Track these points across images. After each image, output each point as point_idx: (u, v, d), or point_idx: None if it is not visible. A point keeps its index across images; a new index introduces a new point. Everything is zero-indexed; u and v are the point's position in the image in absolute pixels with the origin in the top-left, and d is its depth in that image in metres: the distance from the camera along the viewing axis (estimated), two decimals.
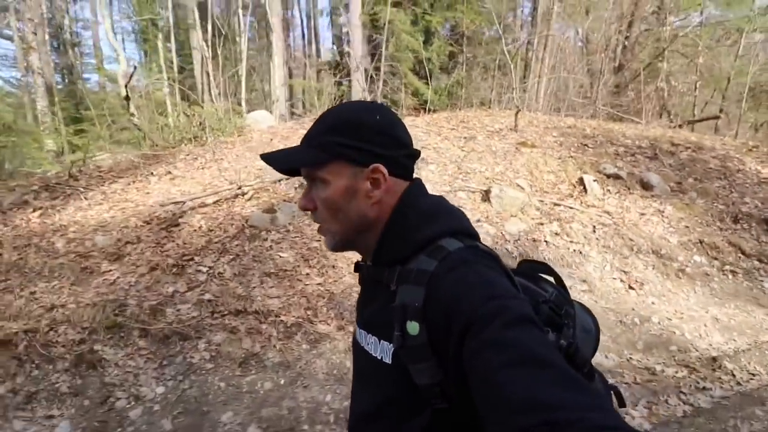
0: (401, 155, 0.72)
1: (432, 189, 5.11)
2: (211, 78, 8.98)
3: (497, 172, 5.80)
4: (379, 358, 0.68)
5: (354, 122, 0.69)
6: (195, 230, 4.44)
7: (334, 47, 10.97)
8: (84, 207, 5.01)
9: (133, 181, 5.68)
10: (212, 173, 5.78)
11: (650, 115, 10.40)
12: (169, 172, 5.89)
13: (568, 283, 3.77)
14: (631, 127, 8.37)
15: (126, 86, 7.81)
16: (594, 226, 4.70)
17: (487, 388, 0.50)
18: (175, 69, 12.64)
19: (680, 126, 9.96)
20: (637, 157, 6.54)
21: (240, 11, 9.97)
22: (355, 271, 0.78)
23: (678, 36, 10.39)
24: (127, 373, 2.94)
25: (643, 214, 5.08)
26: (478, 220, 4.61)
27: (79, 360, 2.97)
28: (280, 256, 4.15)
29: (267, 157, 0.73)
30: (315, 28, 16.60)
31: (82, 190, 5.32)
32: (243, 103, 10.02)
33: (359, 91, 9.54)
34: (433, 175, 5.70)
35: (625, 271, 4.27)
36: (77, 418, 2.67)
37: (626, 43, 11.42)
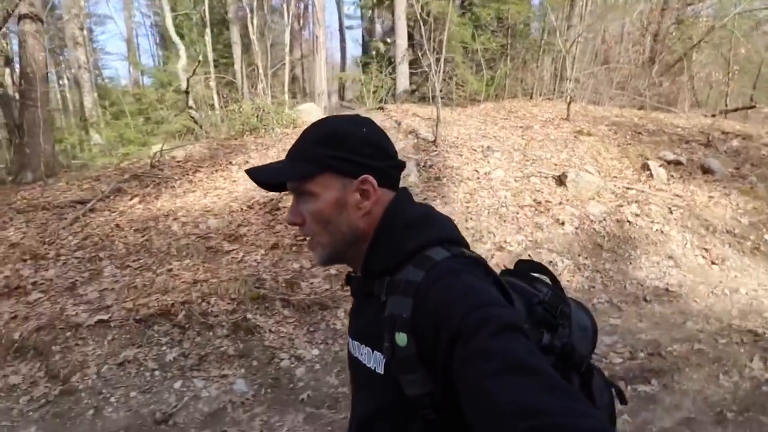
0: (388, 166, 0.72)
1: (503, 174, 5.35)
2: (260, 72, 9.21)
3: (563, 158, 6.03)
4: (372, 368, 0.69)
5: (340, 134, 0.70)
6: None
7: (377, 40, 11.15)
8: (179, 194, 5.29)
9: (216, 170, 5.95)
10: None
11: (686, 105, 10.57)
12: (247, 162, 6.15)
13: (655, 259, 4.03)
14: (673, 117, 8.56)
15: (188, 80, 8.06)
16: (669, 208, 4.94)
17: (474, 397, 0.52)
18: (211, 63, 12.89)
19: (713, 116, 10.14)
20: (692, 145, 6.75)
21: (285, 6, 10.18)
22: (346, 282, 0.79)
23: (714, 28, 10.52)
24: (282, 338, 3.22)
25: (711, 197, 5.31)
26: (560, 203, 4.86)
27: (236, 327, 3.25)
28: None
29: (253, 173, 0.73)
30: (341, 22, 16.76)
31: (176, 179, 5.60)
32: (286, 96, 10.27)
33: (405, 83, 9.76)
34: (500, 162, 5.94)
35: (705, 249, 4.52)
36: (250, 376, 2.95)
37: (657, 35, 11.56)
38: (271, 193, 5.01)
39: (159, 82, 12.03)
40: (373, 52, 9.85)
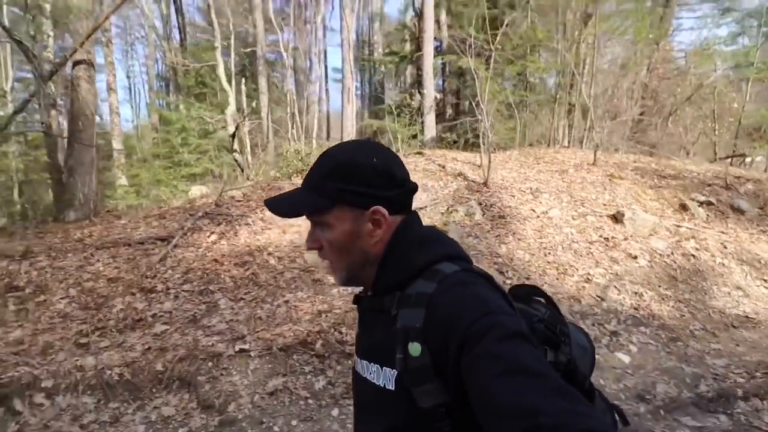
0: (399, 194, 0.75)
1: (560, 213, 5.72)
2: (296, 118, 9.63)
3: (607, 199, 6.49)
4: (382, 385, 0.69)
5: (352, 166, 0.72)
6: None
7: (402, 92, 11.86)
8: (257, 231, 5.40)
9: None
10: None
11: (682, 153, 11.51)
12: None
13: (725, 290, 4.40)
14: (682, 163, 9.34)
15: (237, 126, 8.34)
16: (723, 243, 5.38)
17: (481, 399, 0.53)
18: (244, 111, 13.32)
19: (712, 162, 11.08)
20: (714, 187, 7.38)
21: (314, 58, 10.80)
22: (354, 302, 0.82)
23: (702, 85, 11.74)
24: None
25: (751, 233, 5.81)
26: (625, 239, 5.23)
27: None
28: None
29: (271, 203, 0.77)
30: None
31: (247, 216, 5.72)
32: (314, 141, 10.68)
33: (432, 131, 10.35)
34: (552, 202, 6.34)
35: (764, 279, 4.91)
36: None
37: (653, 91, 12.76)
38: None
39: (182, 127, 12.31)
40: (390, 103, 10.50)
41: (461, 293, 0.64)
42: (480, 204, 6.09)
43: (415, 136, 9.21)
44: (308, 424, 2.83)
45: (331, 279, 4.14)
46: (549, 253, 4.93)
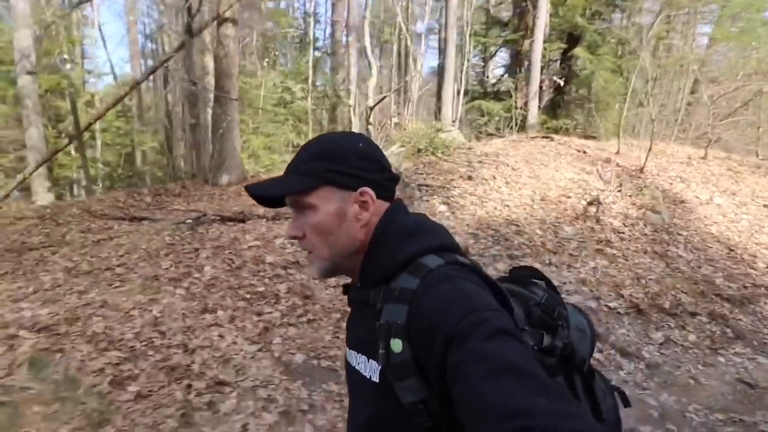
0: (384, 179, 0.75)
1: (722, 201, 6.30)
2: (413, 95, 9.72)
3: (759, 188, 7.16)
4: (368, 377, 0.70)
5: (338, 149, 0.72)
6: (614, 225, 5.29)
7: (506, 75, 12.11)
8: (465, 204, 5.65)
9: (459, 187, 6.35)
10: (540, 181, 6.56)
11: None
12: (494, 177, 6.60)
13: None
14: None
15: (375, 103, 8.34)
16: None
17: (467, 399, 0.53)
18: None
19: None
20: None
21: (426, 33, 10.83)
22: (344, 293, 0.81)
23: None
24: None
25: None
26: None
27: (711, 315, 3.78)
28: None
29: (253, 188, 0.74)
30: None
31: (438, 188, 5.95)
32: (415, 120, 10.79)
33: (535, 116, 10.73)
34: (704, 191, 6.94)
35: None
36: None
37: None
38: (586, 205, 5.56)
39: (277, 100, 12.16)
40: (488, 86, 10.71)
41: (445, 289, 0.63)
42: (657, 188, 6.59)
43: (519, 122, 9.59)
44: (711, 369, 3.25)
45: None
46: (752, 235, 5.52)
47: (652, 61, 8.94)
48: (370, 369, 0.70)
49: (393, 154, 8.58)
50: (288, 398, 2.57)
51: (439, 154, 8.02)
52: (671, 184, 7.01)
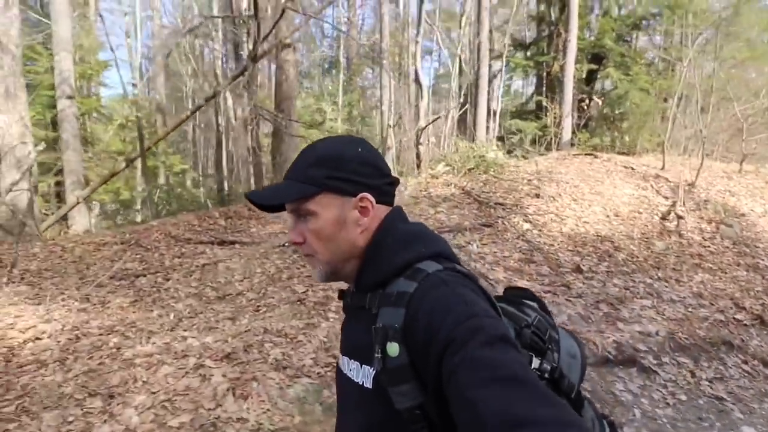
0: (384, 184, 0.75)
1: None
2: (452, 118, 9.94)
3: None
4: (361, 383, 0.69)
5: (337, 155, 0.72)
6: (695, 239, 5.44)
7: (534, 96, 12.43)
8: (544, 222, 5.77)
9: (532, 205, 6.48)
10: (605, 198, 6.72)
11: None
12: (559, 194, 6.75)
13: None
14: None
15: (426, 124, 8.50)
16: None
17: (463, 407, 0.52)
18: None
19: None
20: None
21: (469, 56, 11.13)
22: (339, 298, 0.80)
23: None
24: None
25: None
26: None
27: None
28: None
29: (253, 196, 0.75)
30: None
31: (514, 205, 6.07)
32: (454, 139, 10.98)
33: (568, 134, 11.02)
34: (753, 203, 7.18)
35: None
36: None
37: None
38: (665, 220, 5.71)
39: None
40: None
41: (443, 293, 0.63)
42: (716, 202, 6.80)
43: (550, 141, 9.87)
44: None
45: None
46: None
47: (692, 80, 9.31)
48: (363, 375, 0.69)
49: (440, 173, 8.74)
50: None
51: (491, 173, 8.19)
52: (723, 197, 7.24)
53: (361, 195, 0.71)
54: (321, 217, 0.71)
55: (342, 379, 0.75)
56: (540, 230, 5.42)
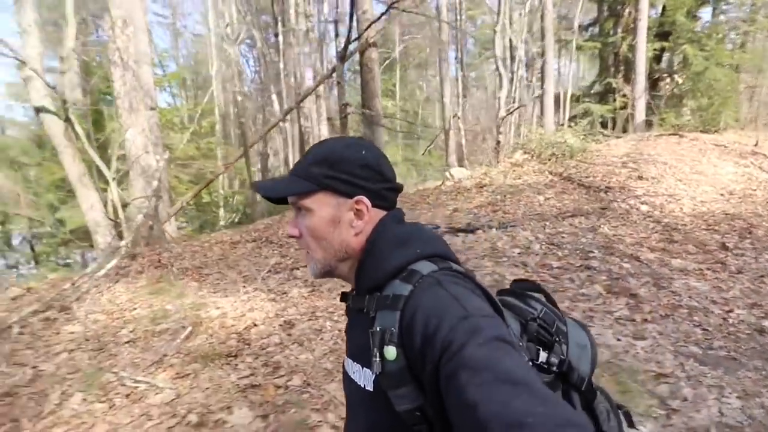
0: (384, 188, 0.75)
1: None
2: (524, 105, 9.93)
3: None
4: (363, 385, 0.70)
5: (339, 156, 0.73)
6: None
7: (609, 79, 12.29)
8: (672, 200, 5.77)
9: (639, 187, 6.47)
10: (709, 177, 6.65)
11: None
12: (663, 176, 6.71)
13: None
14: None
15: (507, 113, 8.56)
16: None
17: (462, 408, 0.51)
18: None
19: None
20: None
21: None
22: (342, 300, 0.80)
23: None
24: None
25: None
26: None
27: None
28: None
29: (257, 186, 0.78)
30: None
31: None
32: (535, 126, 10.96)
33: (642, 115, 10.85)
34: None
35: None
36: None
37: None
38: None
39: None
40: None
41: (438, 294, 0.63)
42: None
43: (625, 122, 9.73)
44: None
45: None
46: None
47: None
48: (364, 378, 0.70)
49: (520, 161, 8.79)
50: None
51: (578, 157, 8.18)
52: None
53: (357, 197, 0.72)
54: (316, 214, 0.73)
55: (347, 380, 0.76)
56: (661, 211, 5.43)
